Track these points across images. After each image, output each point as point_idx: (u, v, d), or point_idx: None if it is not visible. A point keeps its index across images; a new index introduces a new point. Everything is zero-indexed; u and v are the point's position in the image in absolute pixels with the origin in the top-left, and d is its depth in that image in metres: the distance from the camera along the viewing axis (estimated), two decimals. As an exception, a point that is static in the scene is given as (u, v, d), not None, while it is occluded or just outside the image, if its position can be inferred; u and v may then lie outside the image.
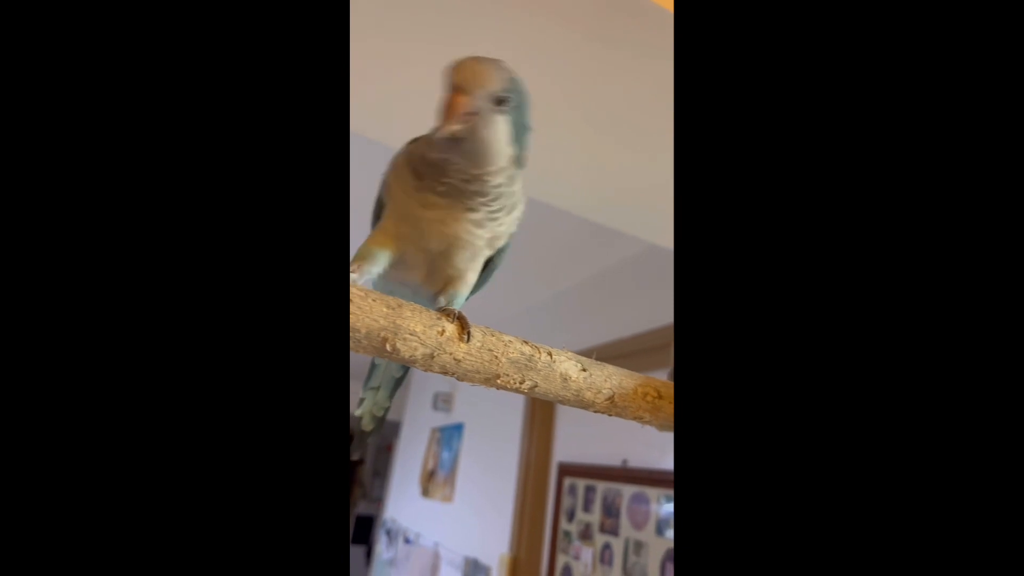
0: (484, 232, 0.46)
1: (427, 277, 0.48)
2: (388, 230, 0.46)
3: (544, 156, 1.13)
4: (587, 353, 0.47)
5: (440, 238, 0.45)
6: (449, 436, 2.96)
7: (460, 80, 0.40)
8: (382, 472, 5.33)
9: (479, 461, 2.58)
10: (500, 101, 0.41)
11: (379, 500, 5.01)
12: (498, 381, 0.42)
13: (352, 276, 0.44)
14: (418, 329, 0.39)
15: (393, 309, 0.38)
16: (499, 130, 0.42)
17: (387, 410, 0.61)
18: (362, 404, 0.60)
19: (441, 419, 3.08)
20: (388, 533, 3.59)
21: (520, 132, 0.44)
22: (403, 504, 3.49)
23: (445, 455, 2.97)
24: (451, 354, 0.40)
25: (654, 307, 1.69)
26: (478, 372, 0.41)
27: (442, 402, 3.02)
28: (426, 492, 3.10)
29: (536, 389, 0.43)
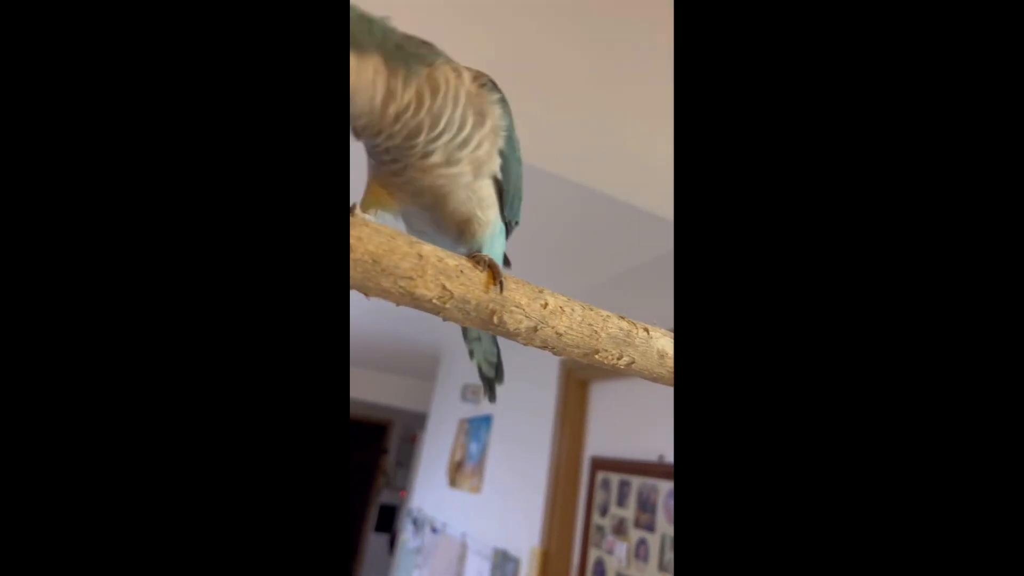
0: (460, 168, 0.41)
1: (438, 229, 0.45)
2: (380, 194, 0.43)
3: (586, 138, 1.12)
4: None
5: (421, 195, 0.42)
6: (477, 427, 2.98)
7: None
8: (405, 462, 5.40)
9: (508, 453, 2.59)
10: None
11: (402, 489, 5.07)
12: (596, 356, 0.42)
13: (367, 216, 0.40)
14: (523, 302, 0.39)
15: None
16: (359, 71, 0.37)
17: (498, 355, 0.58)
18: (473, 356, 0.59)
19: (470, 410, 3.10)
20: (414, 522, 3.64)
21: (396, 55, 0.38)
22: (429, 494, 3.52)
23: (473, 446, 2.99)
24: (553, 328, 0.40)
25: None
26: (578, 347, 0.41)
27: (471, 394, 3.04)
28: (453, 483, 3.12)
29: (633, 365, 0.43)
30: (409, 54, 0.39)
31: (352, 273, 0.32)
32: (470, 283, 0.37)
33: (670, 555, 1.55)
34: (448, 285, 0.36)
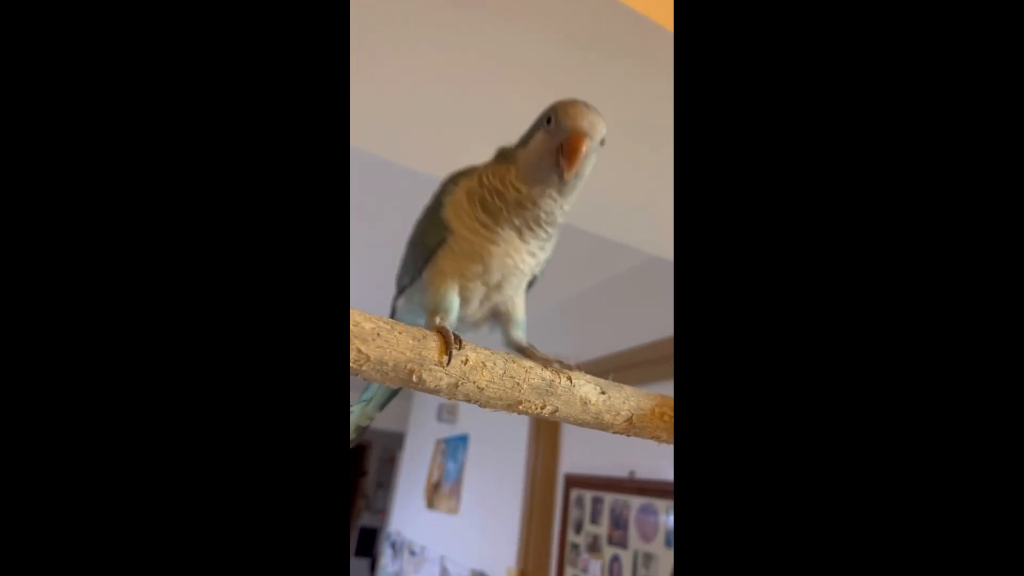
0: (535, 261, 0.50)
1: (477, 308, 0.50)
2: (452, 271, 0.48)
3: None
4: (590, 364, 0.49)
5: (501, 270, 0.48)
6: (454, 447, 2.95)
7: (584, 126, 0.44)
8: (386, 483, 5.31)
9: (485, 472, 2.58)
10: (602, 142, 0.46)
11: (383, 511, 4.98)
12: (520, 407, 0.43)
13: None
14: (443, 360, 0.40)
15: (418, 341, 0.39)
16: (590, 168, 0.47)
17: (372, 420, 0.61)
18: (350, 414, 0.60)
19: (446, 430, 3.08)
20: (393, 546, 3.58)
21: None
22: (408, 516, 3.47)
23: (450, 466, 2.96)
24: (474, 383, 0.41)
25: (656, 319, 1.70)
26: (500, 399, 0.42)
27: (447, 413, 3.02)
28: (431, 504, 3.09)
29: (557, 413, 0.44)
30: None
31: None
32: (387, 344, 0.38)
33: (643, 571, 1.56)
34: (363, 348, 0.37)
